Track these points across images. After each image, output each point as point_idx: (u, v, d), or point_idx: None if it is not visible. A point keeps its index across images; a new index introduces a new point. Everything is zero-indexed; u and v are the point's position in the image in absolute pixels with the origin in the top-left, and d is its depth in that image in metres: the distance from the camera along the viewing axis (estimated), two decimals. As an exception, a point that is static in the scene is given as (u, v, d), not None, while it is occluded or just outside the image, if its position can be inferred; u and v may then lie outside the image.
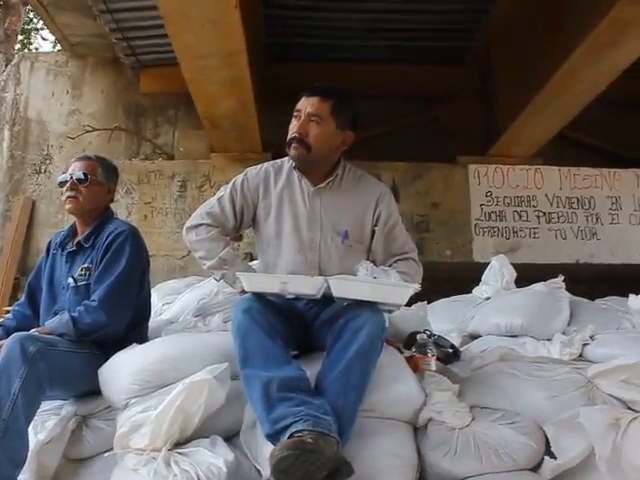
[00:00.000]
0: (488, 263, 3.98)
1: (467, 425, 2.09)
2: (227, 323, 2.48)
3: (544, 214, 6.02)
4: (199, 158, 6.06)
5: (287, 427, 1.78)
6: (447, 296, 4.02)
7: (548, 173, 6.10)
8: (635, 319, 2.96)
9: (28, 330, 2.27)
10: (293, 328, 2.20)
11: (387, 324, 2.13)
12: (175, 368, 2.12)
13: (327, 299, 2.10)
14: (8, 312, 2.67)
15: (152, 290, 2.80)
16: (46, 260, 2.59)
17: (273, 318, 2.06)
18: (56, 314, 2.37)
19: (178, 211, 5.86)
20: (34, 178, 6.30)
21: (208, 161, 6.00)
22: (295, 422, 1.78)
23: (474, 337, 3.45)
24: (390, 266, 2.36)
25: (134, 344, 2.32)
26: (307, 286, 2.10)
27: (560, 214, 6.02)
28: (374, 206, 2.44)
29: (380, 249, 2.45)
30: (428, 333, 2.71)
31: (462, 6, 5.49)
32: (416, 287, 2.09)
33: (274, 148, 5.14)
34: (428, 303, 3.51)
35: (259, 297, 2.10)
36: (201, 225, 2.45)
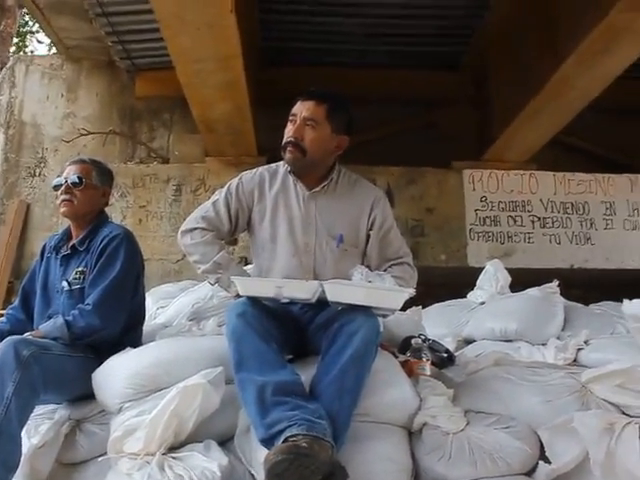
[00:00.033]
0: (483, 268, 3.99)
1: (462, 430, 2.10)
2: (222, 327, 2.47)
3: (539, 219, 6.04)
4: (194, 162, 6.05)
5: (281, 431, 1.78)
6: (442, 301, 4.02)
7: (543, 178, 6.12)
8: (629, 324, 2.97)
9: (22, 334, 2.26)
10: (288, 332, 2.20)
11: (382, 328, 2.14)
12: (169, 372, 2.11)
13: (322, 303, 2.10)
14: (2, 316, 2.66)
15: (146, 294, 2.80)
16: (40, 263, 2.58)
17: (268, 322, 2.06)
18: (50, 318, 2.36)
19: (173, 215, 5.85)
20: (29, 181, 6.29)
21: (203, 165, 6.00)
22: (289, 426, 1.78)
23: (469, 342, 3.45)
24: (385, 270, 2.36)
25: (128, 348, 2.31)
26: (302, 290, 2.10)
27: (554, 219, 6.04)
28: (369, 210, 2.44)
29: (375, 253, 2.44)
30: (423, 338, 2.71)
31: (456, 12, 5.52)
32: (411, 292, 2.09)
33: (269, 152, 5.15)
34: (423, 308, 3.51)
35: (254, 301, 2.09)
36: (196, 229, 2.45)
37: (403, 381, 2.19)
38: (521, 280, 3.78)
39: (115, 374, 2.15)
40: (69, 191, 2.49)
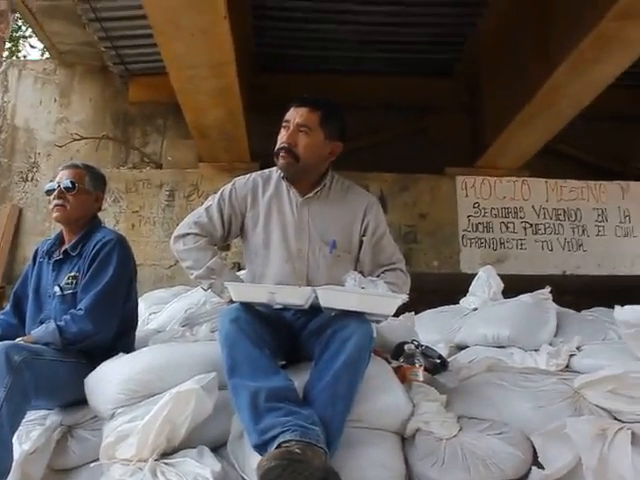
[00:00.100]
0: (475, 274, 4.00)
1: (455, 435, 2.10)
2: (215, 333, 2.47)
3: (531, 225, 6.07)
4: (187, 167, 6.04)
5: (275, 437, 1.77)
6: (434, 307, 4.03)
7: (535, 185, 6.15)
8: (621, 330, 2.98)
9: (14, 339, 2.25)
10: (281, 338, 2.20)
11: (375, 334, 2.14)
12: (162, 378, 2.10)
13: (315, 309, 2.10)
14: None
15: (139, 299, 2.79)
16: (32, 268, 2.57)
17: (261, 328, 2.06)
18: (42, 323, 2.35)
19: (166, 220, 5.85)
20: (21, 186, 6.28)
21: (196, 170, 6.00)
22: (283, 432, 1.77)
23: (461, 348, 3.45)
24: (378, 276, 2.35)
25: (121, 353, 2.30)
26: (295, 296, 2.10)
27: (547, 226, 6.07)
28: (362, 216, 2.44)
29: (368, 259, 2.44)
30: (416, 344, 2.72)
31: (450, 19, 5.55)
32: (404, 298, 2.09)
33: (262, 158, 5.15)
34: (415, 314, 3.51)
35: (247, 307, 2.09)
36: (189, 234, 2.44)
37: (396, 387, 2.19)
38: (513, 286, 3.79)
39: (108, 380, 2.14)
40: (62, 196, 2.49)
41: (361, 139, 6.01)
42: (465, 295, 3.93)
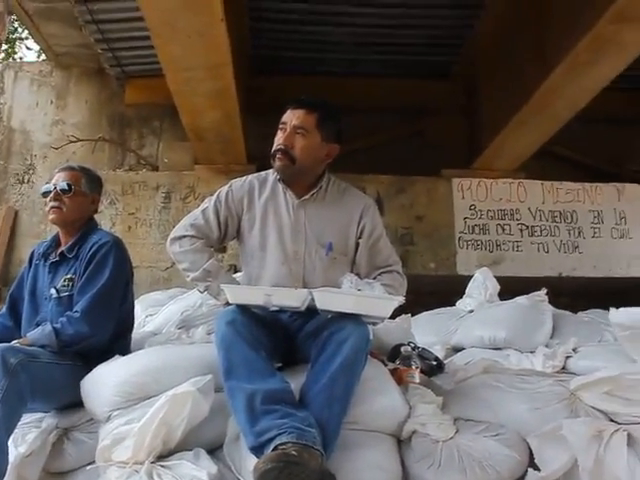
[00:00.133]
0: (472, 276, 4.01)
1: (451, 437, 2.10)
2: (211, 335, 2.47)
3: (527, 227, 6.07)
4: (183, 170, 6.03)
5: (271, 439, 1.77)
6: (431, 309, 4.03)
7: (531, 187, 6.16)
8: (616, 332, 2.99)
9: (9, 341, 2.24)
10: (277, 340, 2.20)
11: (371, 336, 2.14)
12: (158, 380, 2.10)
13: (311, 311, 2.10)
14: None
15: (135, 302, 2.79)
16: (28, 270, 2.57)
17: (257, 330, 2.06)
18: (38, 325, 2.35)
19: (162, 222, 5.84)
20: (17, 188, 6.26)
21: (192, 173, 5.99)
22: (279, 434, 1.77)
23: (458, 350, 3.46)
24: (374, 278, 2.36)
25: (117, 356, 2.30)
26: (291, 298, 2.10)
27: (543, 227, 6.07)
28: (358, 218, 2.44)
29: (364, 261, 2.44)
30: (412, 346, 2.72)
31: (447, 21, 5.56)
32: (400, 300, 2.09)
33: (259, 160, 5.15)
34: (412, 316, 3.51)
35: (243, 309, 2.09)
36: (185, 237, 2.44)
37: (392, 389, 2.19)
38: (510, 288, 3.80)
39: (104, 382, 2.14)
40: (58, 198, 2.49)
41: (358, 141, 6.00)
42: (461, 297, 3.93)
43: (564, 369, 2.77)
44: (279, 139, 2.36)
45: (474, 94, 6.30)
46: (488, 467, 2.00)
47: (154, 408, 1.95)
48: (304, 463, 1.70)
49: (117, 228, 5.69)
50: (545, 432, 2.04)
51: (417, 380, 2.38)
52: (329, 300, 2.04)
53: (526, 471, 2.03)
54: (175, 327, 2.90)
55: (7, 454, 1.97)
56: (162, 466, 1.90)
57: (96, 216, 2.68)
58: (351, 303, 2.02)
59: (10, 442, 2.01)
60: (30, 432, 2.20)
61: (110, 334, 2.38)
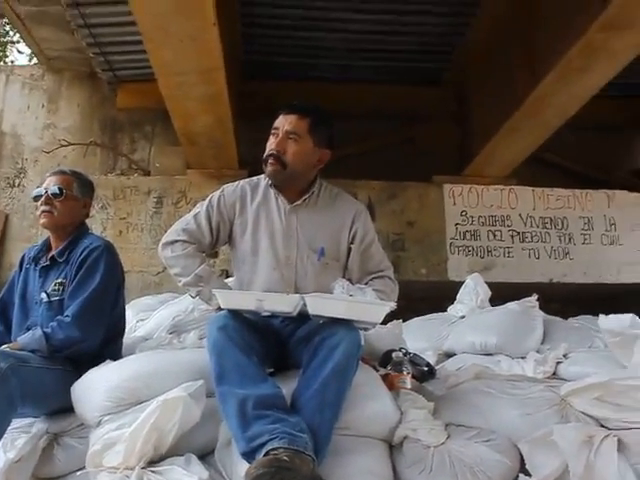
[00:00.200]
0: (463, 282, 4.01)
1: (442, 443, 2.10)
2: (202, 340, 2.47)
3: (518, 234, 6.09)
4: (175, 174, 6.02)
5: (263, 445, 1.77)
6: (422, 314, 4.03)
7: (522, 193, 6.18)
8: (606, 339, 3.00)
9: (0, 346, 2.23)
10: (269, 345, 2.20)
11: (363, 342, 2.14)
12: (149, 385, 2.09)
13: (303, 317, 2.10)
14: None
15: (126, 306, 2.78)
16: (19, 274, 2.56)
17: (249, 335, 2.06)
18: (29, 329, 2.34)
19: (154, 227, 5.82)
20: (7, 192, 6.22)
21: (184, 177, 5.97)
22: (271, 440, 1.77)
23: (449, 355, 3.47)
24: (366, 284, 2.36)
25: (108, 361, 2.30)
26: (283, 303, 2.10)
27: (534, 234, 6.09)
28: (350, 224, 2.44)
29: (356, 267, 2.45)
30: (404, 351, 2.72)
31: (438, 29, 5.58)
32: (392, 305, 2.09)
33: (250, 165, 5.14)
34: (403, 321, 3.50)
35: (235, 314, 2.09)
36: (177, 241, 2.44)
37: (384, 394, 2.19)
38: (501, 294, 3.81)
39: (94, 387, 2.13)
40: (49, 202, 2.48)
41: (349, 147, 6.00)
42: (453, 303, 3.94)
43: (555, 375, 2.78)
44: (271, 144, 2.37)
45: (465, 101, 6.34)
46: (479, 472, 2.01)
47: (145, 413, 1.94)
48: (296, 469, 1.70)
49: (108, 233, 5.67)
50: (536, 438, 2.05)
51: (408, 386, 2.38)
52: (321, 305, 2.04)
53: (517, 476, 2.04)
54: (166, 332, 2.89)
55: (-4, 459, 1.97)
56: (153, 471, 1.89)
57: (87, 221, 2.67)
58: (343, 308, 2.02)
59: (-1, 447, 2.01)
60: (20, 437, 2.18)
61: (101, 339, 2.37)
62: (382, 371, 2.49)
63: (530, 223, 6.12)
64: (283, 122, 2.37)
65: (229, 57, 4.46)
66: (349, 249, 2.44)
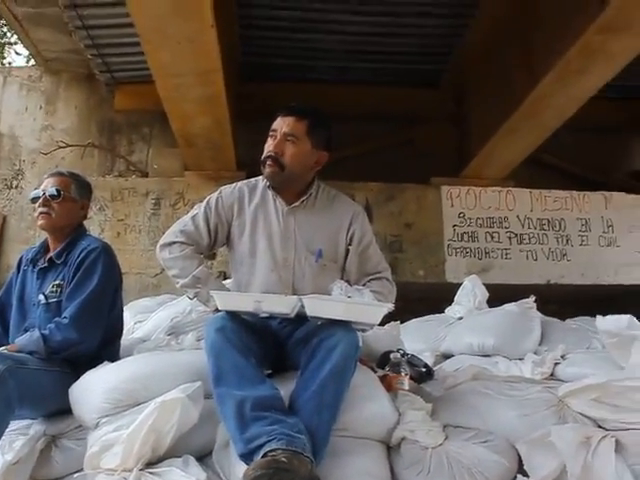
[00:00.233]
0: (461, 283, 4.02)
1: (440, 444, 2.10)
2: (200, 342, 2.46)
3: (515, 235, 6.10)
4: (173, 176, 6.02)
5: (261, 446, 1.77)
6: (420, 316, 4.04)
7: (519, 195, 6.19)
8: (604, 340, 3.00)
9: (-3, 348, 2.23)
10: (267, 347, 2.20)
11: (361, 343, 2.14)
12: (147, 387, 2.09)
13: (301, 318, 2.10)
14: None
15: (124, 308, 2.78)
16: (17, 276, 2.56)
17: (247, 337, 2.06)
18: (26, 331, 2.34)
19: (152, 229, 5.81)
20: (5, 193, 6.23)
21: (182, 179, 5.97)
22: (269, 441, 1.77)
23: (447, 356, 3.47)
24: (364, 285, 2.36)
25: (106, 362, 2.29)
26: (281, 305, 2.10)
27: (531, 235, 6.10)
28: (348, 225, 2.44)
29: (354, 268, 2.45)
30: (401, 352, 2.72)
31: (437, 30, 5.59)
32: (390, 307, 2.10)
33: (248, 167, 5.15)
34: (401, 323, 3.52)
35: (233, 316, 2.09)
36: (175, 243, 2.44)
37: (382, 396, 2.19)
38: (498, 295, 3.81)
39: (92, 389, 2.13)
40: (47, 204, 2.48)
41: (347, 149, 6.01)
42: (450, 304, 3.94)
43: (552, 376, 2.78)
44: (269, 146, 2.37)
45: (463, 102, 6.34)
46: (477, 474, 2.01)
47: (143, 415, 1.94)
48: (294, 470, 1.70)
49: (106, 234, 5.66)
50: (534, 438, 2.05)
51: (406, 387, 2.39)
52: (319, 307, 2.04)
53: (515, 477, 2.04)
54: (164, 334, 2.88)
55: (-6, 461, 1.96)
56: (151, 473, 1.89)
57: (85, 222, 2.66)
58: (341, 310, 2.02)
59: (-3, 449, 2.00)
60: (17, 439, 2.18)
61: (99, 341, 2.36)
62: (380, 372, 2.50)
63: (528, 225, 6.13)
64: (281, 124, 2.37)
65: (227, 59, 4.46)
66: (347, 251, 2.44)
